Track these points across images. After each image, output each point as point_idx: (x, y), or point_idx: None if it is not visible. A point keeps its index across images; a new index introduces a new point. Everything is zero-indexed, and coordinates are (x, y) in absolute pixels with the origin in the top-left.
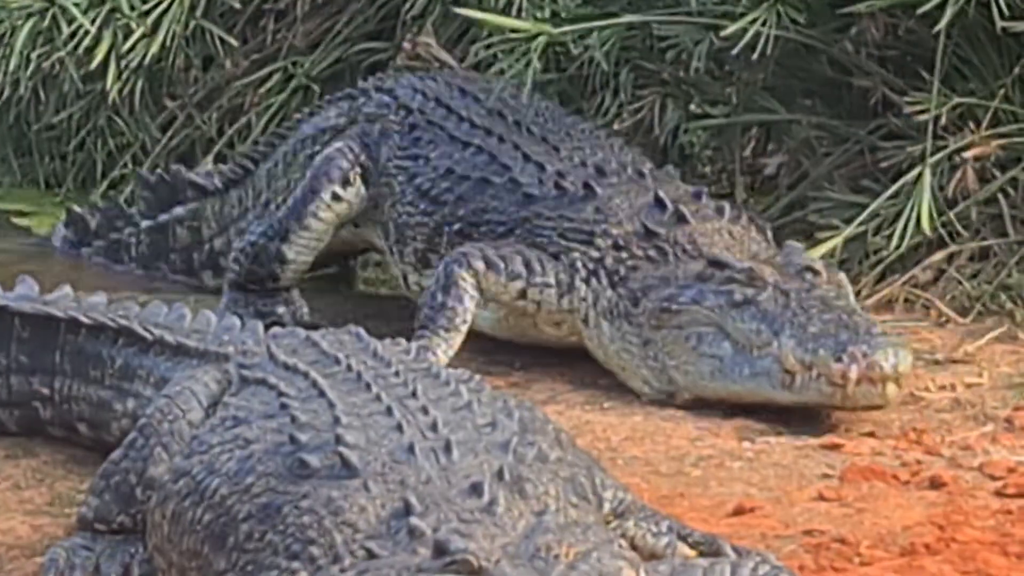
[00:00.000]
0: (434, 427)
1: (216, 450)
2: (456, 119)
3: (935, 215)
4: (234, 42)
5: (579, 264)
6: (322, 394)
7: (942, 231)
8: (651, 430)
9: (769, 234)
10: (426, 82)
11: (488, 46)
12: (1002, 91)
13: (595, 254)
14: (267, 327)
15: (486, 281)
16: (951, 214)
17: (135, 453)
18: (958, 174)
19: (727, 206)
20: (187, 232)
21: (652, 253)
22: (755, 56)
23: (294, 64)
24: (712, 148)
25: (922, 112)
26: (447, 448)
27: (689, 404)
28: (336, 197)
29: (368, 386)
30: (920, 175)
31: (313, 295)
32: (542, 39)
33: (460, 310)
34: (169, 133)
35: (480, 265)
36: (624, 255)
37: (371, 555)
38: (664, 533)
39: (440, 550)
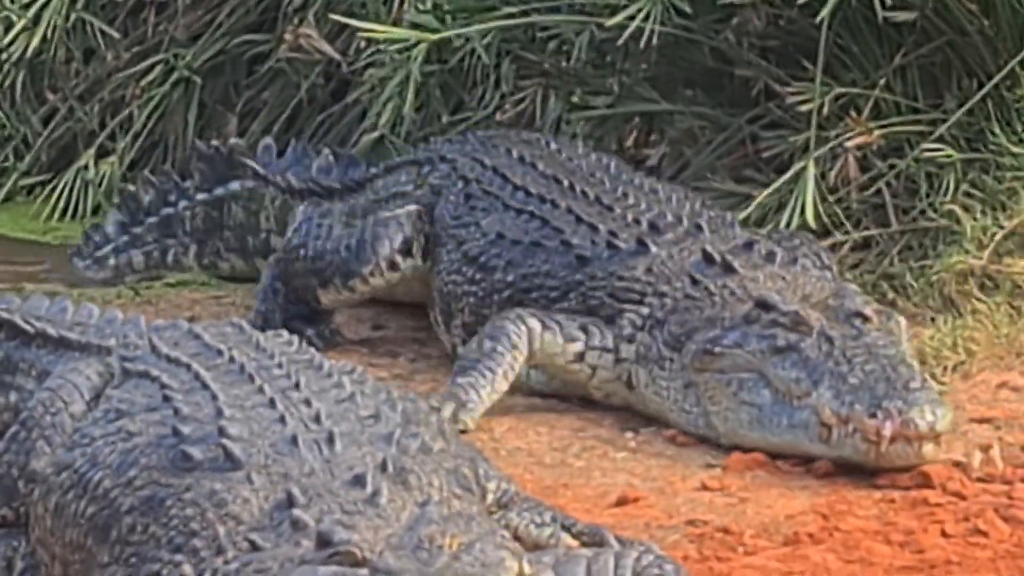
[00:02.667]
0: (317, 419)
1: (99, 443)
2: (511, 188)
3: (819, 205)
4: (115, 34)
5: (627, 324)
6: (205, 386)
7: (825, 220)
8: (534, 421)
9: (831, 264)
10: (488, 150)
11: (369, 41)
12: (883, 81)
13: (644, 311)
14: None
15: (541, 342)
16: (833, 204)
17: (17, 446)
18: (840, 164)
19: (779, 251)
20: (243, 211)
21: (698, 296)
22: (639, 47)
23: (175, 56)
24: (594, 139)
25: (804, 102)
26: (330, 440)
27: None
28: (393, 265)
29: (251, 378)
30: (804, 166)
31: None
32: (422, 46)
33: (505, 361)
34: (51, 126)
35: (536, 324)
36: (670, 304)
37: (254, 547)
38: (547, 524)
39: (323, 542)
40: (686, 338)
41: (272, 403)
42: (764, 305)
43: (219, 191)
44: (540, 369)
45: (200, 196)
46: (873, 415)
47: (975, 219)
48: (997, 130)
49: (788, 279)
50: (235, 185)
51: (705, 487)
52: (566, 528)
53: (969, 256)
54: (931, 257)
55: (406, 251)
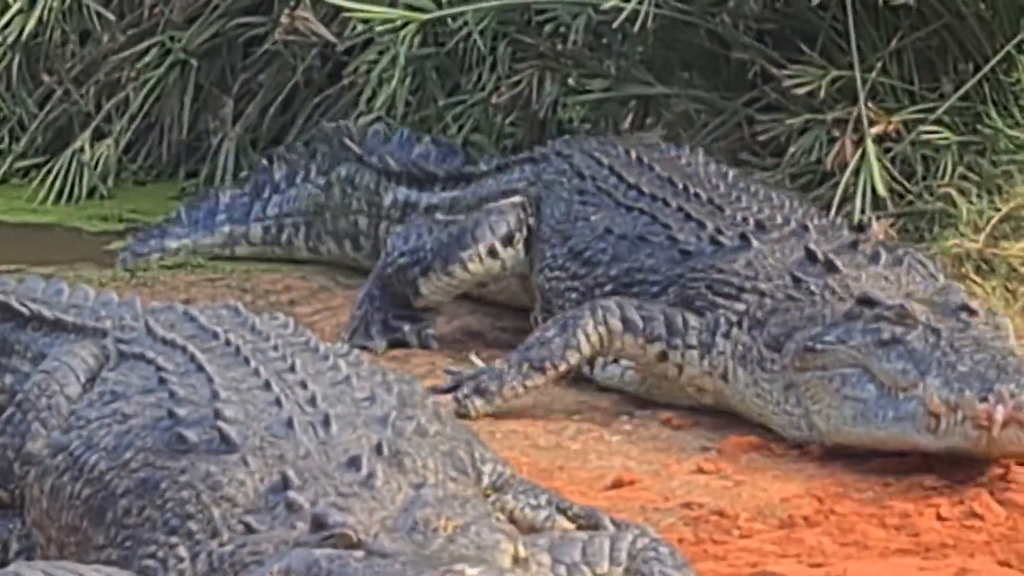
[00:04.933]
0: (313, 401)
1: (94, 425)
2: (625, 186)
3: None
4: (111, 16)
5: (722, 320)
6: (200, 368)
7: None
8: (530, 403)
9: (936, 269)
10: (607, 149)
11: (366, 21)
12: (880, 64)
13: (740, 307)
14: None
15: (622, 343)
16: (830, 188)
17: (12, 428)
18: (836, 148)
19: (883, 252)
20: (340, 194)
21: (799, 296)
22: (634, 30)
23: (171, 39)
24: (591, 122)
25: (800, 85)
26: (326, 422)
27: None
28: (493, 253)
29: (247, 360)
30: (863, 149)
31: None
32: (412, 26)
33: (564, 356)
34: (47, 108)
35: (616, 324)
36: (769, 303)
37: (249, 529)
38: (543, 506)
39: (318, 524)
40: (786, 338)
41: (268, 385)
42: (867, 301)
43: (332, 174)
44: (632, 371)
45: (318, 178)
46: (984, 399)
47: (971, 202)
48: (993, 113)
49: (891, 278)
50: (342, 168)
51: (701, 470)
52: (562, 511)
53: (965, 239)
54: (927, 240)
55: (508, 240)
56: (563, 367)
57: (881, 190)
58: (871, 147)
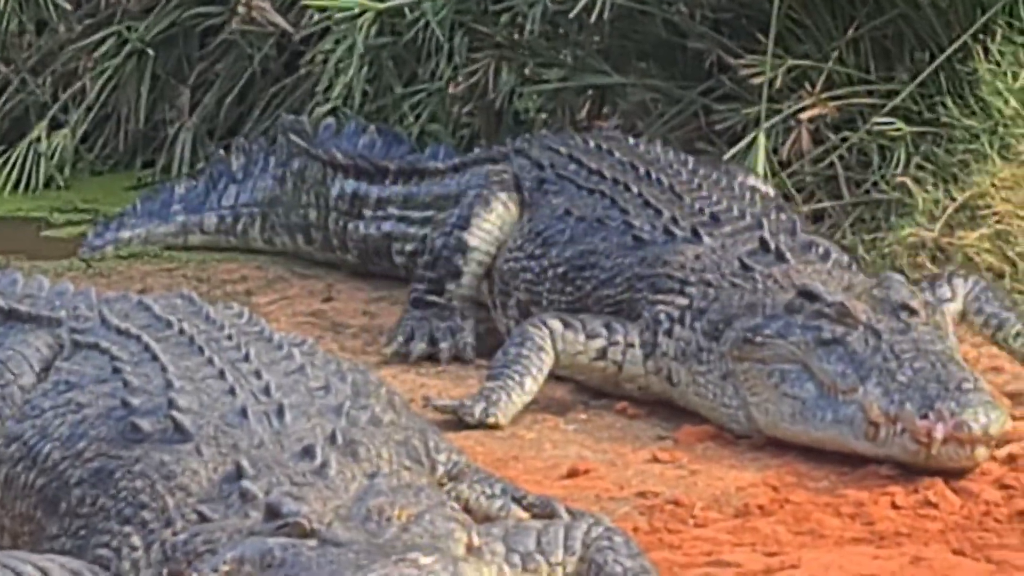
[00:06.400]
0: (267, 391)
1: (48, 415)
2: (586, 171)
3: (770, 177)
4: (68, 6)
5: (663, 317)
6: (155, 358)
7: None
8: None
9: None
10: (566, 140)
11: (322, 9)
12: (836, 53)
13: (683, 302)
14: (428, 357)
15: (563, 341)
16: (786, 176)
17: None
18: (792, 136)
19: (834, 251)
20: (292, 187)
21: (741, 283)
22: (591, 19)
23: (128, 29)
24: (547, 112)
25: (757, 75)
26: (280, 412)
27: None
28: (494, 210)
29: (201, 350)
30: (755, 137)
31: None
32: (369, 15)
33: (532, 362)
34: (3, 98)
35: (556, 324)
36: (712, 292)
37: (203, 518)
38: (498, 495)
39: (272, 513)
40: (725, 325)
41: (222, 375)
42: (808, 294)
43: (289, 167)
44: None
45: (275, 170)
46: (925, 416)
47: (927, 191)
48: (949, 103)
49: (835, 275)
50: (295, 161)
51: (656, 459)
52: (516, 500)
53: (921, 228)
54: (883, 229)
55: (502, 198)
56: (537, 370)
57: (760, 171)
58: (762, 137)
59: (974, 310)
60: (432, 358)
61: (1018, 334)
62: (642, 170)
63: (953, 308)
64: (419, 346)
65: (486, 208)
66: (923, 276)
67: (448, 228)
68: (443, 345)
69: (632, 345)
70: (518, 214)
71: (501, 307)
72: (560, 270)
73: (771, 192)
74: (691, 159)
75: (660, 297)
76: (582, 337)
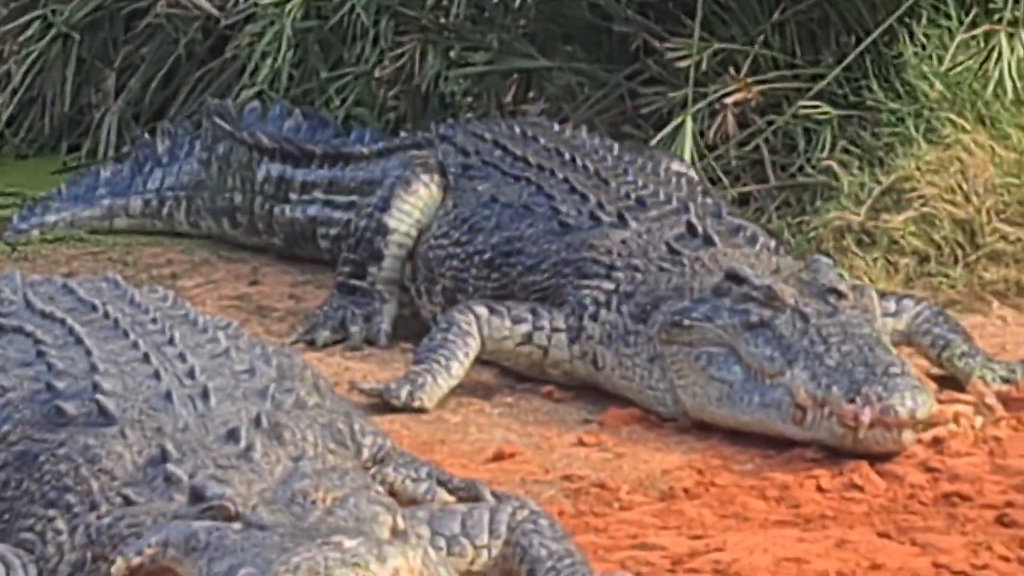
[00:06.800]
0: (191, 374)
1: None
2: (511, 158)
3: (696, 161)
4: None
5: (588, 301)
6: (79, 341)
7: (703, 176)
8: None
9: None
10: (491, 126)
11: None
12: (761, 37)
13: (609, 286)
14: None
15: (489, 327)
16: (712, 160)
17: None
18: (718, 120)
19: (761, 235)
20: (217, 171)
21: (668, 267)
22: (516, 3)
23: (53, 12)
24: (473, 95)
25: (682, 58)
26: (204, 395)
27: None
28: (423, 183)
29: (125, 333)
30: (682, 121)
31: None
32: (297, 0)
33: (458, 347)
34: None
35: (482, 310)
36: (639, 276)
37: (128, 502)
38: (423, 479)
39: (196, 496)
40: (652, 308)
41: (146, 358)
42: (735, 277)
43: (214, 150)
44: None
45: (201, 153)
46: (852, 400)
47: (852, 175)
48: (875, 86)
49: (763, 259)
50: (220, 145)
51: (581, 442)
52: (442, 483)
53: (847, 212)
54: (809, 213)
55: (425, 179)
56: (464, 355)
57: (687, 156)
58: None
59: (922, 331)
60: (341, 343)
61: (963, 354)
62: (567, 156)
63: (892, 324)
64: (323, 334)
65: (407, 190)
66: (879, 291)
67: (370, 210)
68: (353, 329)
69: (558, 330)
70: (440, 197)
71: (427, 294)
72: (486, 256)
73: (695, 177)
74: (616, 144)
75: (586, 282)
76: (508, 322)
